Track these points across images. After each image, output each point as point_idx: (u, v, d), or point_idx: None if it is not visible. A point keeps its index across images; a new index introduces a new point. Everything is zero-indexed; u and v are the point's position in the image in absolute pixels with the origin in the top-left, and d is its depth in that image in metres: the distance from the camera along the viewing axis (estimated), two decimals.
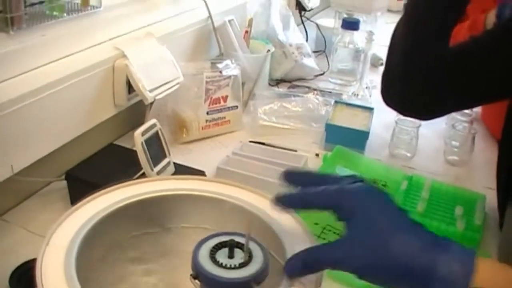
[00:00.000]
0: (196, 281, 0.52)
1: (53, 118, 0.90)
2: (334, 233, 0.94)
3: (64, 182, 0.93)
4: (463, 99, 0.92)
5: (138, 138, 0.84)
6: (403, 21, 0.89)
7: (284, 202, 0.55)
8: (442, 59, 0.87)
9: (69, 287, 0.50)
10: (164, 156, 0.91)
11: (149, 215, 0.65)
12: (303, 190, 0.55)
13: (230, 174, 1.03)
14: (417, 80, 0.89)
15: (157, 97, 1.05)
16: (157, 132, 0.89)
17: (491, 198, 0.95)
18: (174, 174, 0.93)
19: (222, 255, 0.53)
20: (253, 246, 0.55)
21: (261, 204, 0.64)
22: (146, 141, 0.85)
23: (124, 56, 1.01)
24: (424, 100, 0.92)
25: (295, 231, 0.61)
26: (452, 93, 0.89)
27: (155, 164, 0.87)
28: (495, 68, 0.84)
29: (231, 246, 0.53)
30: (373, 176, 1.10)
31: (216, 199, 0.66)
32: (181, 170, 0.95)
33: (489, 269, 0.47)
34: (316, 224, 0.96)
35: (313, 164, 1.12)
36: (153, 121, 0.89)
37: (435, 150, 1.26)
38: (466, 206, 0.99)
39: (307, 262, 0.51)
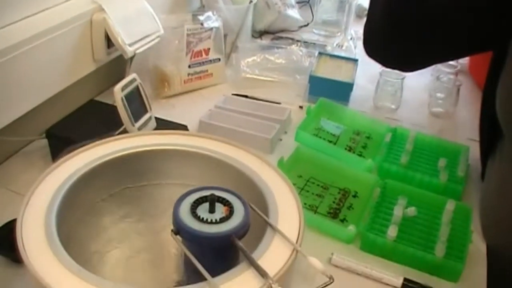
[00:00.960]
0: (178, 236, 0.52)
1: (31, 75, 0.88)
2: (318, 185, 0.94)
3: (45, 141, 0.92)
4: (446, 50, 0.91)
5: (117, 94, 0.82)
6: None
7: None
8: (424, 9, 0.85)
9: (50, 247, 0.49)
10: (145, 111, 0.90)
11: (130, 171, 0.65)
12: None
13: (212, 128, 1.02)
14: (399, 31, 0.88)
15: (137, 51, 1.02)
16: (137, 87, 0.87)
17: (475, 149, 0.95)
18: (155, 129, 0.92)
19: (203, 210, 0.53)
20: (234, 200, 0.54)
21: (243, 158, 0.64)
22: (126, 96, 0.84)
23: (102, 9, 0.98)
24: (406, 51, 0.91)
25: (277, 185, 0.61)
26: (434, 44, 0.88)
27: (136, 120, 0.86)
28: (476, 17, 0.83)
29: (212, 200, 0.53)
30: (357, 128, 1.10)
31: (197, 154, 0.66)
32: (163, 125, 0.94)
33: None
34: (300, 176, 0.96)
35: (297, 117, 1.11)
36: (133, 75, 0.87)
37: (419, 102, 1.26)
38: (450, 158, 0.99)
39: None
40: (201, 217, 0.52)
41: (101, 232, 0.64)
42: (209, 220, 0.51)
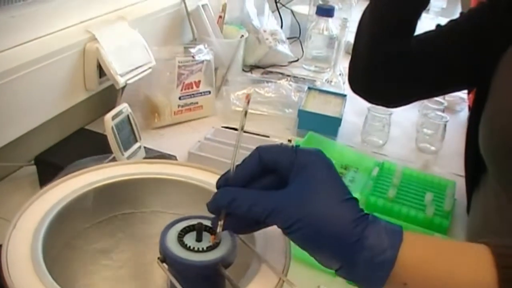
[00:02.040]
0: (164, 264, 0.52)
1: (22, 102, 0.88)
2: None
3: (34, 167, 0.92)
4: (427, 88, 0.93)
5: (108, 122, 0.83)
6: (369, 10, 0.90)
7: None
8: (406, 50, 0.88)
9: (36, 272, 0.49)
10: (135, 141, 0.90)
11: (117, 199, 0.65)
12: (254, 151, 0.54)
13: (201, 159, 1.03)
14: (381, 69, 0.90)
15: (129, 82, 1.03)
16: (127, 117, 0.88)
17: (461, 184, 0.96)
18: (145, 158, 0.92)
19: (190, 239, 0.53)
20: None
21: None
22: (117, 125, 0.84)
23: (95, 39, 0.99)
24: (388, 88, 0.93)
25: None
26: (416, 82, 0.90)
27: (126, 149, 0.87)
28: (455, 56, 0.85)
29: (199, 229, 0.53)
30: (345, 162, 1.11)
31: (185, 183, 0.66)
32: (152, 154, 0.94)
33: (415, 240, 0.48)
34: None
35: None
36: (123, 105, 0.88)
37: (407, 137, 1.27)
38: (436, 193, 1.00)
39: (248, 208, 0.49)
40: (188, 245, 0.52)
41: (88, 259, 0.63)
42: (196, 248, 0.51)
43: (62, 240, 0.60)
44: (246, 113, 0.52)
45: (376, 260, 0.47)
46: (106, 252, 0.65)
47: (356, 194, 0.96)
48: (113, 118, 0.84)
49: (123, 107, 0.87)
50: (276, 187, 0.51)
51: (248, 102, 0.51)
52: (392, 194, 0.97)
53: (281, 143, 0.53)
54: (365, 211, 0.49)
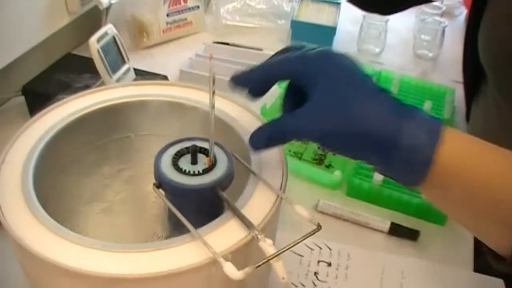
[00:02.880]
0: (160, 190, 0.50)
1: (4, 30, 0.85)
2: None
3: (22, 98, 0.89)
4: None
5: (93, 45, 0.80)
6: None
7: (240, 80, 0.52)
8: None
9: (28, 205, 0.48)
10: (123, 63, 0.87)
11: (109, 124, 0.63)
12: (260, 64, 0.51)
13: (193, 77, 1.00)
14: None
15: (113, 1, 0.99)
16: (113, 38, 0.85)
17: (460, 91, 0.94)
18: (135, 80, 0.90)
19: (185, 162, 0.52)
20: (217, 150, 0.53)
21: (224, 106, 0.62)
22: (102, 47, 0.81)
23: None
24: None
25: None
26: None
27: (114, 71, 0.84)
28: None
29: (194, 152, 0.52)
30: None
31: (178, 104, 0.64)
32: (142, 76, 0.91)
33: (456, 138, 0.44)
34: None
35: None
36: (108, 26, 0.84)
37: (404, 44, 1.24)
38: (435, 100, 0.98)
39: (272, 134, 0.51)
40: (183, 169, 0.50)
41: (81, 188, 0.62)
42: (191, 172, 0.50)
43: (54, 171, 0.58)
44: (213, 93, 0.50)
45: (415, 159, 0.43)
46: (100, 180, 0.64)
47: None
48: (98, 40, 0.81)
49: (107, 29, 0.84)
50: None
51: (214, 82, 0.50)
52: None
53: (285, 57, 0.50)
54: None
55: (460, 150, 0.44)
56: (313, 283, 0.69)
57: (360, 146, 0.45)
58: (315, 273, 0.70)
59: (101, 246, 0.44)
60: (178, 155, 0.52)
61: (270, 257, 0.43)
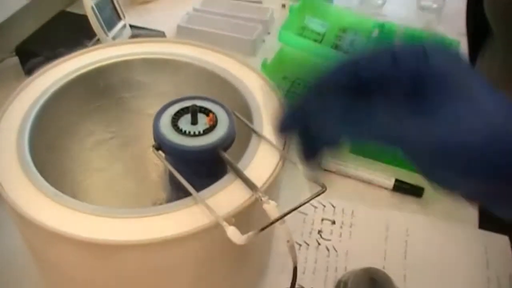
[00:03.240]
0: (159, 152, 0.49)
1: None
2: (305, 86, 0.91)
3: (16, 58, 0.87)
4: None
5: (87, 2, 0.77)
6: None
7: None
8: None
9: (24, 171, 0.46)
10: (119, 19, 0.84)
11: (103, 84, 0.61)
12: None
13: (191, 33, 0.98)
14: None
15: None
16: None
17: (465, 44, 0.92)
18: (131, 37, 0.87)
19: (184, 122, 0.50)
20: (217, 109, 0.51)
21: (224, 63, 0.60)
22: (97, 4, 0.78)
23: None
24: None
25: (261, 89, 0.57)
26: None
27: (110, 29, 0.81)
28: None
29: (194, 111, 0.50)
30: (343, 25, 1.05)
31: (176, 62, 0.62)
32: (138, 32, 0.89)
33: None
34: (285, 78, 0.93)
35: (280, 16, 1.06)
36: None
37: None
38: None
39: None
40: (183, 130, 0.49)
41: (79, 152, 0.61)
42: (191, 132, 0.48)
43: (50, 134, 0.57)
44: None
45: None
46: (98, 144, 0.62)
47: None
48: None
49: None
50: None
51: None
52: None
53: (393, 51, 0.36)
54: None
55: None
56: (317, 241, 0.68)
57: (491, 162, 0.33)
58: (319, 231, 0.69)
59: (102, 212, 0.43)
60: (178, 116, 0.50)
61: (275, 221, 0.42)
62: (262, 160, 0.49)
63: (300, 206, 0.44)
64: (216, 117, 0.50)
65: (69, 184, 0.58)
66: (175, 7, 1.10)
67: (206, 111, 0.51)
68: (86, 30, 0.81)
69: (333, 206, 0.72)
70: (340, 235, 0.69)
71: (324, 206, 0.72)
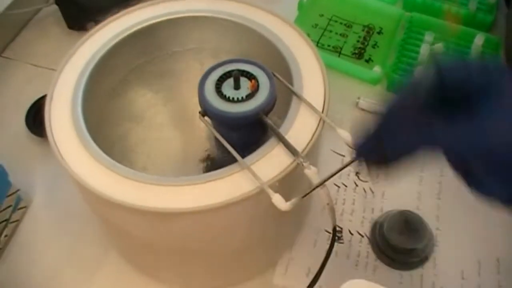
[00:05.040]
0: (206, 118, 0.52)
1: None
2: (341, 23, 0.92)
3: (55, 6, 0.89)
4: None
5: None
6: None
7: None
8: None
9: (81, 141, 0.50)
10: None
11: (155, 41, 0.63)
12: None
13: None
14: None
15: None
16: None
17: None
18: None
19: (228, 87, 0.52)
20: (259, 72, 0.53)
21: (266, 21, 0.61)
22: None
23: None
24: None
25: (300, 49, 0.59)
26: None
27: None
28: None
29: (236, 77, 0.52)
30: None
31: (219, 19, 0.63)
32: None
33: None
34: (322, 15, 0.93)
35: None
36: None
37: None
38: None
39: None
40: (227, 96, 0.51)
41: (130, 110, 0.64)
42: (235, 98, 0.51)
43: (103, 91, 0.60)
44: None
45: None
46: (149, 97, 0.65)
47: None
48: None
49: None
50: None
51: None
52: None
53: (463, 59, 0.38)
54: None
55: None
56: (355, 183, 0.72)
57: None
58: (357, 173, 0.73)
59: (155, 181, 0.47)
60: (221, 80, 0.53)
61: (316, 186, 0.46)
62: (302, 124, 0.51)
63: (338, 171, 0.47)
64: (258, 81, 0.52)
65: (122, 143, 0.62)
66: None
67: (249, 75, 0.53)
68: None
69: None
70: (377, 176, 0.72)
71: None
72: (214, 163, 0.61)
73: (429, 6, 0.90)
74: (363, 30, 0.91)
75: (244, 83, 0.53)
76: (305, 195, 0.45)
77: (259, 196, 0.46)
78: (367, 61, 0.86)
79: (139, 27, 0.61)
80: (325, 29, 0.91)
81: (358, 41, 0.89)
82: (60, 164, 0.48)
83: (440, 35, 0.85)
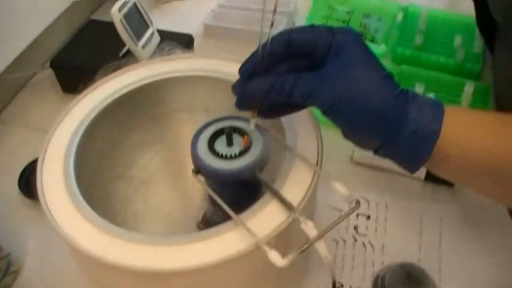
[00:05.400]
0: (199, 176, 0.52)
1: (26, 8, 0.85)
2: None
3: (50, 70, 0.90)
4: None
5: (116, 16, 0.79)
6: None
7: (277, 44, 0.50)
8: None
9: (72, 200, 0.50)
10: (147, 27, 0.86)
11: (145, 101, 0.63)
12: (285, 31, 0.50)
13: (217, 30, 1.00)
14: None
15: None
16: (134, 4, 0.84)
17: None
18: (160, 42, 0.89)
19: (221, 144, 0.52)
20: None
21: None
22: (125, 16, 0.80)
23: None
24: None
25: None
26: None
27: (139, 38, 0.83)
28: None
29: (229, 134, 0.52)
30: (366, 10, 1.05)
31: (207, 78, 0.64)
32: (166, 36, 0.91)
33: (458, 112, 0.48)
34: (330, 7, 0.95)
35: (304, 6, 1.07)
36: None
37: None
38: (466, 34, 0.95)
39: (279, 91, 0.47)
40: (219, 153, 0.51)
41: (122, 171, 0.64)
42: (228, 155, 0.51)
43: (95, 152, 0.60)
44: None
45: (421, 133, 0.46)
46: (141, 157, 0.65)
47: (381, 45, 0.93)
48: (120, 9, 0.80)
49: None
50: (304, 70, 0.49)
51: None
52: (419, 41, 0.93)
53: (312, 25, 0.50)
54: (393, 63, 0.47)
55: (462, 120, 0.47)
56: (354, 237, 0.71)
57: (368, 119, 0.46)
58: (355, 227, 0.72)
59: (149, 241, 0.46)
60: (214, 138, 0.53)
61: (313, 240, 0.45)
62: (296, 178, 0.51)
63: (336, 224, 0.47)
64: (250, 138, 0.52)
65: (116, 202, 0.61)
66: (199, 5, 1.11)
67: (241, 132, 0.53)
68: (115, 38, 0.83)
69: (367, 200, 0.74)
70: (376, 230, 0.71)
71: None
72: (210, 221, 0.60)
73: (416, 58, 0.92)
74: None
75: (237, 139, 0.53)
76: (302, 250, 0.44)
77: (256, 253, 0.45)
78: None
79: (130, 88, 0.62)
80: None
81: None
82: (51, 226, 0.47)
83: (430, 85, 0.86)
